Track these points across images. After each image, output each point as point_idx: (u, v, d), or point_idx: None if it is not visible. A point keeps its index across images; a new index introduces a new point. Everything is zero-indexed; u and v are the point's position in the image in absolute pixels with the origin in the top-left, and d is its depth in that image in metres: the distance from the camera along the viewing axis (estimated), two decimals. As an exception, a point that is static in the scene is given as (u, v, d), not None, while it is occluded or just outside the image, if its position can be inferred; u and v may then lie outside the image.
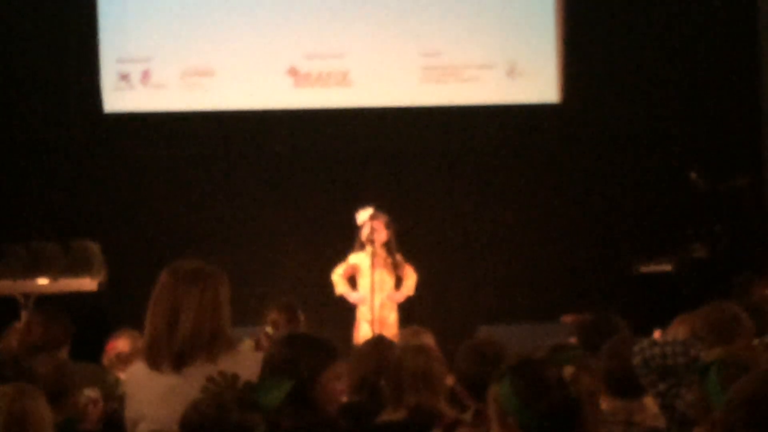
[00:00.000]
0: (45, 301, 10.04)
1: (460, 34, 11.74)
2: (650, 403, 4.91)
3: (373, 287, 9.90)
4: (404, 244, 10.24)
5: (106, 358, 6.87)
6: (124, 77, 11.69)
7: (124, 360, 6.44)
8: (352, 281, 10.23)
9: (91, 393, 5.40)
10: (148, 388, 4.22)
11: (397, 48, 11.74)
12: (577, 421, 3.21)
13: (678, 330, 5.80)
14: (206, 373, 3.35)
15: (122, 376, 5.59)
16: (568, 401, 3.20)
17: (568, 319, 10.21)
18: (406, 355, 5.12)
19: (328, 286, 10.23)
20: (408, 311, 10.13)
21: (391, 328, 9.80)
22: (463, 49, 11.76)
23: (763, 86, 11.61)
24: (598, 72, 11.79)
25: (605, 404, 4.79)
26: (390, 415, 5.00)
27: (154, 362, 4.21)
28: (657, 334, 6.57)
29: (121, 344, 6.82)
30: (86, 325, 8.27)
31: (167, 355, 4.18)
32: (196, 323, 4.18)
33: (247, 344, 4.50)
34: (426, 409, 4.91)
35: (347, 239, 10.19)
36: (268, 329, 7.47)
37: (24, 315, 9.71)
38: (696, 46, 11.79)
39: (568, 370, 3.23)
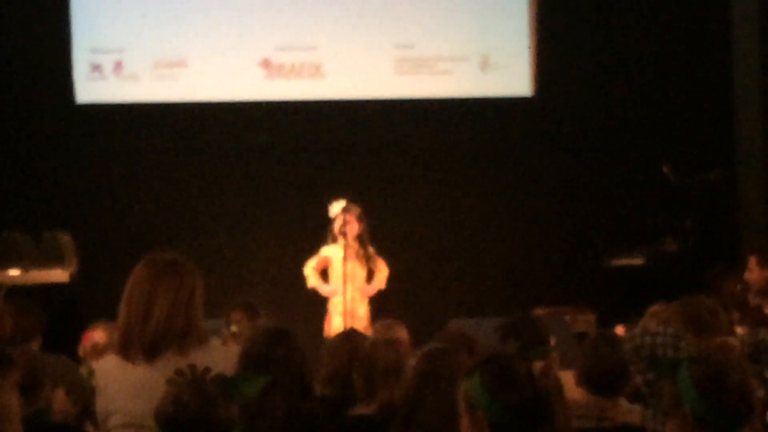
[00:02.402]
0: (16, 292, 10.00)
1: (433, 26, 11.74)
2: (625, 401, 4.95)
3: (345, 279, 9.88)
4: (377, 237, 10.24)
5: (82, 349, 6.84)
6: (97, 68, 11.65)
7: (100, 351, 6.40)
8: (325, 274, 10.22)
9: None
10: (119, 381, 4.21)
11: (371, 40, 11.73)
12: (546, 415, 3.22)
13: (651, 320, 5.84)
14: (177, 366, 3.35)
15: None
16: (538, 396, 3.21)
17: (540, 312, 10.26)
18: (377, 349, 5.13)
19: (301, 278, 10.23)
20: (379, 304, 10.13)
21: (361, 321, 9.79)
22: (437, 42, 11.76)
23: (735, 81, 11.64)
24: (571, 65, 11.81)
25: (580, 396, 4.83)
26: (362, 410, 5.00)
27: (127, 352, 4.21)
28: (620, 330, 6.61)
29: (97, 335, 6.79)
30: (58, 317, 8.25)
31: (140, 345, 4.18)
32: (169, 314, 4.19)
33: (214, 342, 4.50)
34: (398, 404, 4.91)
35: (320, 232, 10.18)
36: (233, 328, 7.47)
37: (-5, 307, 9.65)
38: (669, 40, 11.81)
39: (538, 365, 3.24)
